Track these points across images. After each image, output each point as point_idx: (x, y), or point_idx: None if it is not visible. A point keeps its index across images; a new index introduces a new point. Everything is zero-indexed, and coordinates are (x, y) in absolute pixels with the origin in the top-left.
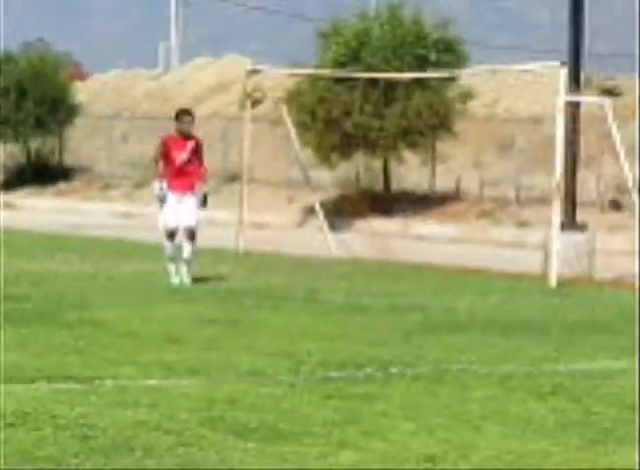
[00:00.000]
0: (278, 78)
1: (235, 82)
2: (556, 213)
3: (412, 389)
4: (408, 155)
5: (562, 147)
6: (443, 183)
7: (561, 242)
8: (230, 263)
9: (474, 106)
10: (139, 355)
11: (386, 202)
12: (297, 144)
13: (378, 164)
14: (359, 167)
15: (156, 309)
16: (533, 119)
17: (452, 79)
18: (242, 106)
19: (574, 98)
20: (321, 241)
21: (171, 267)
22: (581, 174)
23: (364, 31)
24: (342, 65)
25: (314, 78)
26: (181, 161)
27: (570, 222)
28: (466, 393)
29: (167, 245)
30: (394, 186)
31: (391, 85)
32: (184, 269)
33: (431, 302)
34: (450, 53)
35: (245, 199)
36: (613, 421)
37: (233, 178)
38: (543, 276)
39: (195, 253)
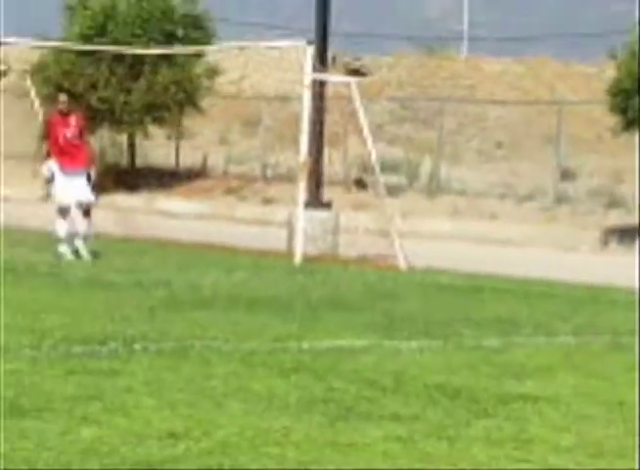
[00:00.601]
0: (24, 51)
1: None
2: (301, 191)
3: (155, 365)
4: (154, 130)
5: (308, 125)
6: (189, 159)
7: (306, 220)
8: None
9: (220, 82)
10: None
11: (131, 177)
12: (41, 117)
13: (123, 139)
14: (104, 142)
15: None
16: (280, 97)
17: (199, 55)
18: None
19: (321, 76)
20: None
21: (64, 248)
22: (327, 153)
23: (111, 5)
24: (88, 38)
25: (60, 51)
26: (66, 138)
27: (314, 200)
28: (209, 369)
29: (61, 223)
30: (140, 162)
31: (138, 60)
32: (81, 244)
33: (175, 278)
34: (198, 29)
35: None
36: (354, 398)
37: None
38: (288, 254)
39: (90, 229)
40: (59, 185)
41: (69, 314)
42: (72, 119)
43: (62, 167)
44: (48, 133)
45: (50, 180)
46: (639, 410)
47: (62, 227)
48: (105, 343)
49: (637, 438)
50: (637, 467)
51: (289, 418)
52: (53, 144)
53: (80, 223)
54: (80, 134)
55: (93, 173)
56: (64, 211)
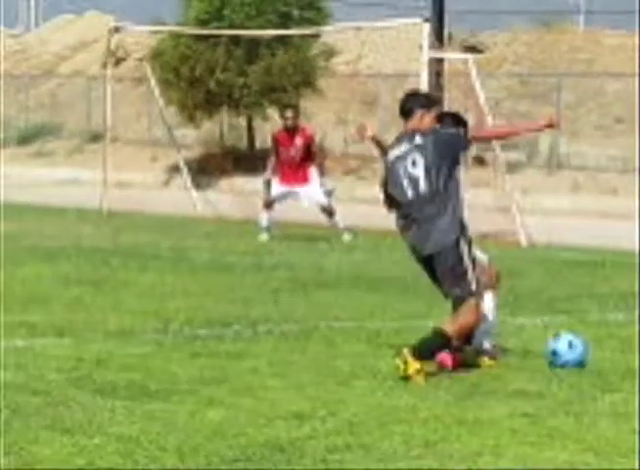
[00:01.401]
0: (141, 36)
1: (97, 40)
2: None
3: (280, 346)
4: (272, 112)
5: None
6: None
7: None
8: (94, 223)
9: (337, 63)
10: (4, 316)
11: (250, 160)
12: (160, 102)
13: (242, 122)
14: (223, 126)
15: (19, 270)
16: (397, 76)
17: (315, 36)
18: (104, 64)
19: (438, 54)
20: (186, 200)
21: (264, 236)
22: None
23: None
24: (204, 22)
25: (177, 36)
26: (289, 156)
27: None
28: (334, 349)
29: (264, 214)
30: (259, 144)
31: (254, 43)
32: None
33: (297, 259)
34: (313, 10)
35: (108, 158)
36: (480, 375)
37: (96, 137)
38: None
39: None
40: (275, 185)
41: (193, 297)
42: (298, 137)
43: (283, 184)
44: (274, 150)
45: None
46: (639, 410)
47: (264, 217)
48: (229, 325)
49: (637, 437)
50: (637, 467)
51: (415, 396)
52: (277, 162)
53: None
54: (306, 151)
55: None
56: (269, 204)
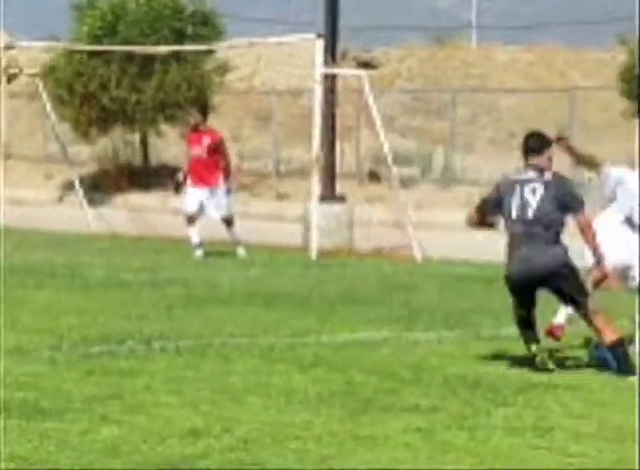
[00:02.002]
0: (34, 52)
1: None
2: (315, 185)
3: (174, 363)
4: (167, 129)
5: (319, 119)
6: None
7: (320, 214)
8: None
9: (231, 79)
10: None
11: (145, 176)
12: (54, 119)
13: (136, 138)
14: (118, 142)
15: None
16: (291, 92)
17: (209, 52)
18: None
19: (331, 70)
20: (80, 217)
21: (199, 253)
22: (340, 146)
23: (120, 4)
24: (98, 38)
25: (70, 52)
26: (195, 156)
27: (329, 194)
28: (228, 366)
29: (192, 230)
30: (153, 160)
31: (149, 59)
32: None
33: (192, 275)
34: (207, 26)
35: (2, 175)
36: (374, 391)
37: None
38: (303, 248)
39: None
40: (189, 194)
41: (87, 314)
42: (205, 137)
43: (195, 184)
44: (187, 148)
45: (178, 187)
46: (639, 412)
47: (193, 233)
48: (123, 342)
49: (637, 436)
50: (637, 467)
51: (309, 412)
52: (188, 161)
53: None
54: (212, 151)
55: (229, 186)
56: (191, 219)
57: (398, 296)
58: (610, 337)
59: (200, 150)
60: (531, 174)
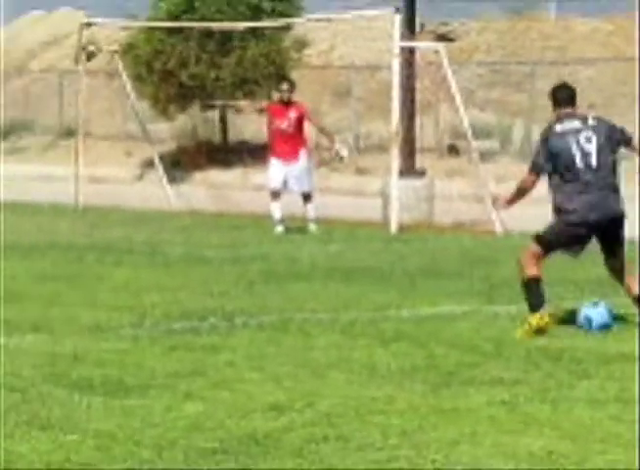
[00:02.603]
0: (113, 31)
1: (68, 36)
2: (394, 160)
3: (256, 338)
4: (245, 105)
5: (398, 93)
6: None
7: (400, 188)
8: (69, 219)
9: (309, 54)
10: None
11: (224, 153)
12: (133, 97)
13: (215, 115)
14: (196, 119)
15: None
16: (369, 67)
17: (287, 28)
18: (76, 59)
19: (409, 44)
20: (160, 194)
21: (279, 229)
22: (419, 120)
23: None
24: (176, 16)
25: (149, 30)
26: (281, 129)
27: (408, 168)
28: (310, 341)
29: (274, 206)
30: (232, 137)
31: (227, 36)
32: (313, 228)
33: (272, 251)
34: (284, 2)
35: (81, 153)
36: (456, 364)
37: (70, 133)
38: (384, 223)
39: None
40: (272, 167)
41: (169, 291)
42: (292, 110)
43: (278, 158)
44: (267, 122)
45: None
46: (639, 410)
47: (275, 209)
48: (205, 318)
49: (637, 436)
50: (637, 467)
51: (391, 387)
52: (269, 134)
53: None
54: (298, 125)
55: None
56: (275, 194)
57: (479, 269)
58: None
59: (285, 123)
60: (576, 123)
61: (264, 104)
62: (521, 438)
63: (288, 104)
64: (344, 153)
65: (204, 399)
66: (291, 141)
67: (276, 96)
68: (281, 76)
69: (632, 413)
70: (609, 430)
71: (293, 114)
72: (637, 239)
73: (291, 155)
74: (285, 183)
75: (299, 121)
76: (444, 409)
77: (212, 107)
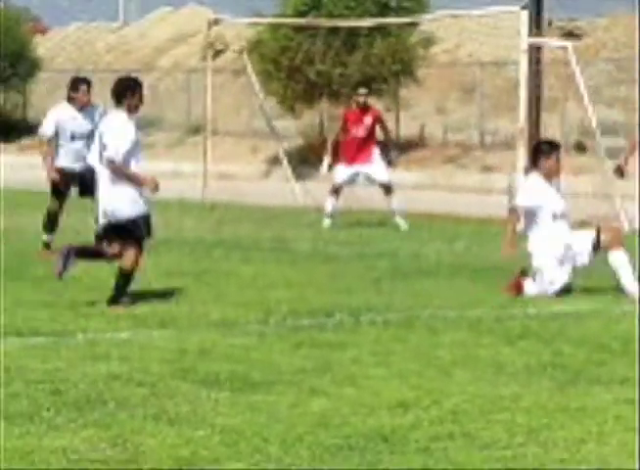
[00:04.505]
0: (239, 28)
1: (196, 33)
2: (520, 157)
3: (382, 335)
4: (371, 102)
5: (525, 91)
6: (408, 130)
7: None
8: (196, 215)
9: (436, 51)
10: (108, 308)
11: None
12: (260, 94)
13: (342, 111)
14: (323, 116)
15: None
16: (496, 64)
17: (413, 25)
18: (204, 57)
19: (536, 41)
20: (287, 190)
21: (327, 222)
22: (545, 117)
23: None
24: (302, 13)
25: (275, 28)
26: (356, 135)
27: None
28: (436, 338)
29: (330, 200)
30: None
31: (353, 32)
32: (400, 220)
33: (398, 248)
34: None
35: (209, 150)
36: (583, 362)
37: (197, 130)
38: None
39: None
40: (341, 168)
41: (295, 288)
42: (367, 116)
43: (347, 163)
44: (342, 128)
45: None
46: (639, 409)
47: (330, 203)
48: (331, 315)
49: (637, 436)
50: (637, 467)
51: (517, 384)
52: (344, 140)
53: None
54: (373, 129)
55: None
56: (337, 189)
57: (606, 267)
58: None
59: (361, 129)
60: None
61: (342, 115)
62: None
63: (364, 109)
64: (393, 158)
65: (329, 396)
66: (364, 146)
67: (354, 101)
68: (362, 83)
69: None
70: None
71: (368, 119)
72: (637, 236)
73: (363, 159)
74: (353, 180)
75: (373, 126)
76: (571, 408)
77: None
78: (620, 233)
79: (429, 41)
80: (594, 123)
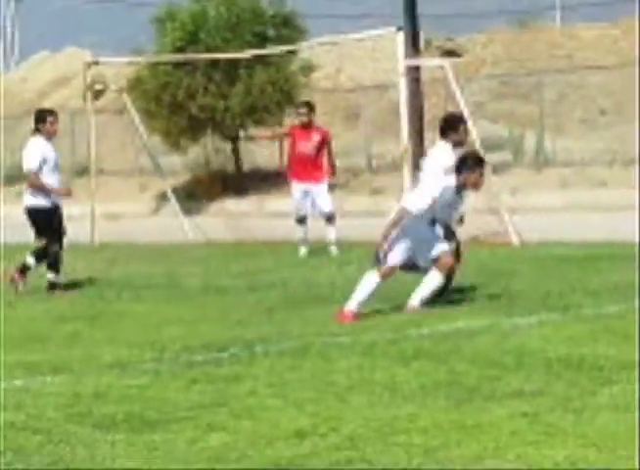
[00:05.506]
0: (119, 68)
1: (76, 75)
2: (407, 179)
3: (277, 365)
4: (256, 132)
5: (406, 112)
6: None
7: None
8: (86, 257)
9: (317, 78)
10: (2, 356)
11: (238, 182)
12: (143, 132)
13: (227, 144)
14: (209, 150)
15: (16, 310)
16: (378, 87)
17: (293, 53)
18: (84, 98)
19: (413, 62)
20: (177, 227)
21: (303, 251)
22: (430, 136)
23: (200, 13)
24: (180, 49)
25: (155, 65)
26: (303, 151)
27: None
28: (331, 364)
29: (298, 228)
30: (246, 165)
31: (233, 65)
32: (333, 249)
33: (290, 277)
34: (288, 27)
35: (95, 191)
36: (477, 379)
37: (83, 171)
38: None
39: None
40: (296, 192)
41: (188, 323)
42: (314, 133)
43: (299, 181)
44: (290, 146)
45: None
46: (639, 410)
47: (299, 232)
48: (225, 348)
49: (637, 437)
50: (637, 467)
51: (414, 405)
52: (292, 157)
53: (328, 231)
54: (320, 148)
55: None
56: (300, 221)
57: (497, 281)
58: None
59: (308, 146)
60: None
61: (287, 128)
62: (544, 449)
63: (309, 127)
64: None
65: (227, 430)
66: (312, 164)
67: (297, 120)
68: (304, 102)
69: None
70: (633, 436)
71: (316, 137)
72: (637, 240)
73: (312, 177)
74: (309, 207)
75: (321, 145)
76: (467, 425)
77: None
78: (451, 265)
79: (309, 68)
80: (474, 138)
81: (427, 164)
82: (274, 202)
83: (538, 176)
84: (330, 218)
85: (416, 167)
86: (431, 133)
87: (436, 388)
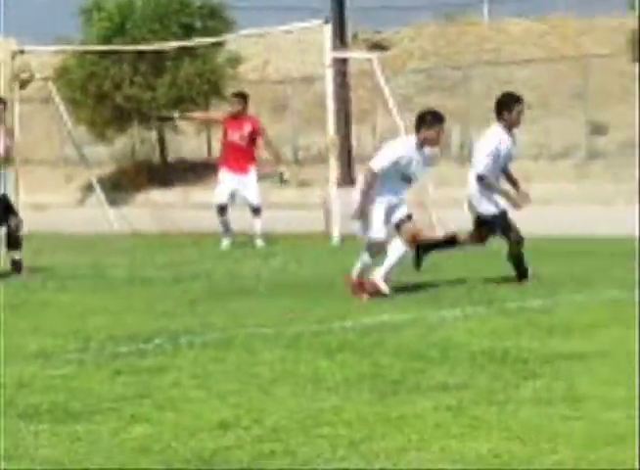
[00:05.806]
0: (46, 57)
1: (1, 64)
2: (332, 170)
3: (201, 357)
4: (183, 124)
5: (333, 104)
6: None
7: (340, 199)
8: None
9: (244, 70)
10: None
11: (164, 172)
12: (68, 122)
13: (153, 135)
14: (135, 140)
15: None
16: (305, 79)
17: (219, 45)
18: (10, 87)
19: (341, 55)
20: (102, 217)
21: (225, 243)
22: (357, 129)
23: (127, 4)
24: (107, 39)
25: (81, 54)
26: (234, 141)
27: (347, 179)
28: (254, 357)
29: (220, 219)
30: (172, 156)
31: (160, 56)
32: (259, 242)
33: (215, 269)
34: (215, 19)
35: (21, 181)
36: (401, 372)
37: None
38: (326, 235)
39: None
40: (221, 184)
41: (113, 314)
42: (246, 124)
43: (229, 169)
44: (223, 135)
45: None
46: (639, 408)
47: (220, 223)
48: (150, 340)
49: (637, 436)
50: (637, 467)
51: (338, 398)
52: (223, 147)
53: (255, 223)
54: (252, 139)
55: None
56: (221, 210)
57: (422, 275)
58: None
59: (238, 136)
60: None
61: (221, 115)
62: (468, 441)
63: (241, 117)
64: (287, 176)
65: (150, 421)
66: (243, 154)
67: (229, 110)
68: (238, 92)
69: (580, 411)
70: (557, 429)
71: (247, 127)
72: (637, 238)
73: (242, 168)
74: (232, 197)
75: (253, 136)
76: (391, 417)
77: (170, 119)
78: (416, 234)
79: (236, 60)
80: (402, 132)
81: (477, 145)
82: (199, 193)
83: (463, 170)
84: (256, 210)
85: (341, 159)
86: (358, 126)
87: (361, 380)
